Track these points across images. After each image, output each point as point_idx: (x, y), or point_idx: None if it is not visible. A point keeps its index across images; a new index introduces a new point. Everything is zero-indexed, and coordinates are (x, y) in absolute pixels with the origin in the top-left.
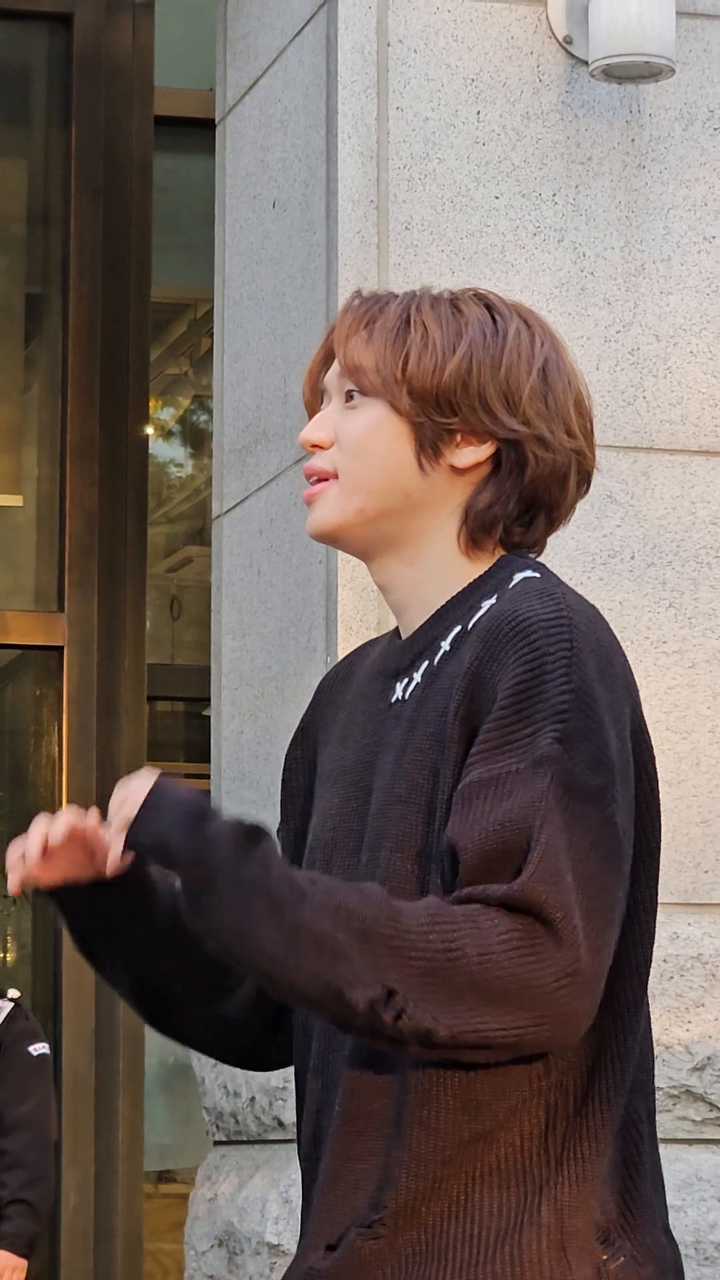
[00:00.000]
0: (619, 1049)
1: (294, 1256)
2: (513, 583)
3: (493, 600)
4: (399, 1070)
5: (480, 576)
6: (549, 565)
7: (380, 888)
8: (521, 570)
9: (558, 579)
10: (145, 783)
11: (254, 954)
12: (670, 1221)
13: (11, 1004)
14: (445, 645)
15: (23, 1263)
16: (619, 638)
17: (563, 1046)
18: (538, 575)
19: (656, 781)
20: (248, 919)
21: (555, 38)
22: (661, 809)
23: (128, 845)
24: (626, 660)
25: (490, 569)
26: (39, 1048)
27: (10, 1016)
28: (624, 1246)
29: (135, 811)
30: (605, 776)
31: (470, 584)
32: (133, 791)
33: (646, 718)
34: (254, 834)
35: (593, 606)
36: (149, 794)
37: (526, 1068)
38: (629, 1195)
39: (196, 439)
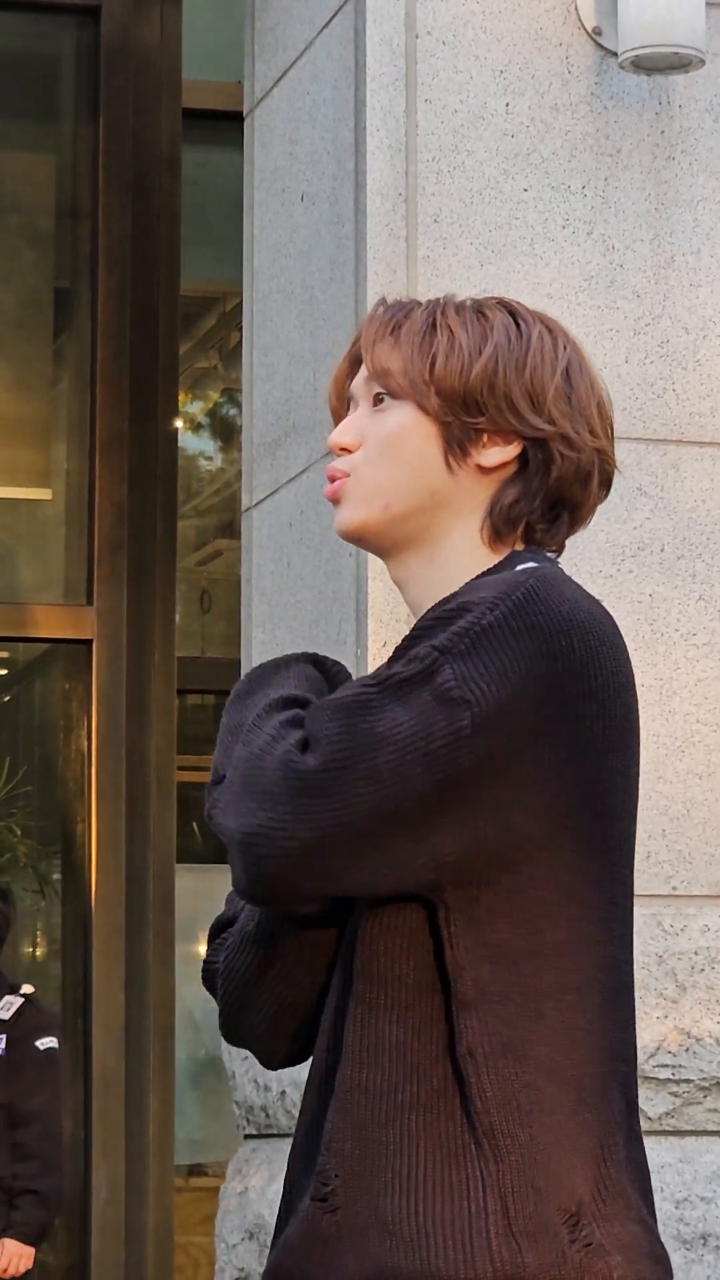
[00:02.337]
0: (531, 1035)
1: (275, 1223)
2: (512, 570)
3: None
4: (344, 1034)
5: (487, 570)
6: (580, 557)
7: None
8: (525, 562)
9: (559, 571)
10: None
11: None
12: (702, 1214)
13: (22, 999)
14: None
15: (30, 1251)
16: (649, 630)
17: (268, 866)
18: (537, 564)
19: (610, 781)
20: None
21: (584, 29)
22: (653, 811)
23: None
24: (600, 647)
25: (499, 563)
26: (46, 1042)
27: (19, 1011)
28: (592, 1234)
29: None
30: (475, 696)
31: (478, 576)
32: None
33: (676, 710)
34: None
35: (585, 594)
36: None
37: (436, 1030)
38: (603, 1185)
39: (226, 432)
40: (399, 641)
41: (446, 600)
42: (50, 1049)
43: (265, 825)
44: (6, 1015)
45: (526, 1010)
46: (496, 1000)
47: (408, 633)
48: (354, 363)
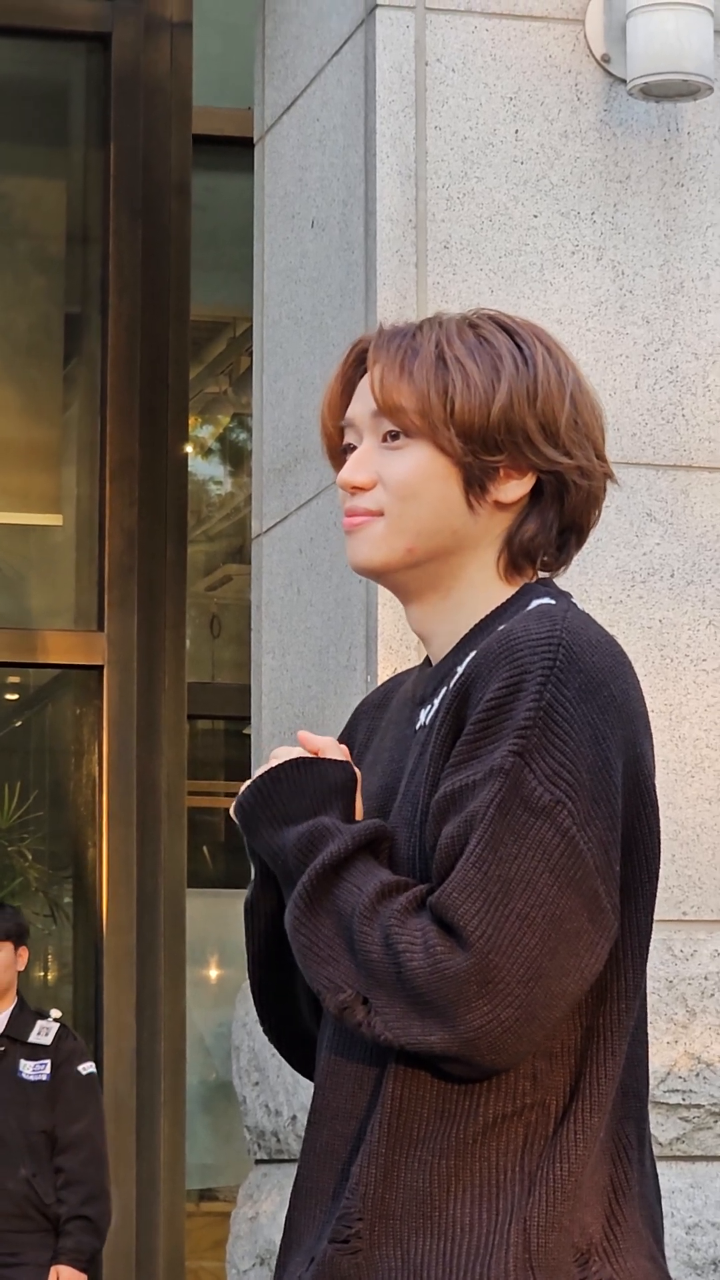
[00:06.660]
0: (600, 1073)
1: (277, 1266)
2: (528, 608)
3: (504, 625)
4: (374, 1081)
5: (502, 604)
6: (590, 583)
7: (387, 884)
8: (540, 597)
9: (574, 606)
10: (274, 762)
11: (294, 947)
12: (713, 1240)
13: (58, 1024)
14: (460, 670)
15: (83, 1277)
16: (658, 655)
17: (504, 1055)
18: (553, 602)
19: (656, 809)
20: (292, 920)
21: (593, 56)
22: (662, 835)
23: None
24: (629, 688)
25: (512, 596)
26: (87, 1067)
27: (59, 1036)
28: (603, 1270)
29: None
30: (563, 791)
31: (493, 611)
32: (269, 760)
33: (686, 736)
34: (314, 844)
35: (604, 633)
36: (269, 773)
37: (512, 1084)
38: (613, 1220)
39: (236, 457)
40: (400, 660)
41: (487, 629)
42: (91, 1073)
43: (475, 1032)
44: (47, 1040)
45: (598, 1054)
46: (573, 1050)
47: (448, 674)
48: (347, 386)
